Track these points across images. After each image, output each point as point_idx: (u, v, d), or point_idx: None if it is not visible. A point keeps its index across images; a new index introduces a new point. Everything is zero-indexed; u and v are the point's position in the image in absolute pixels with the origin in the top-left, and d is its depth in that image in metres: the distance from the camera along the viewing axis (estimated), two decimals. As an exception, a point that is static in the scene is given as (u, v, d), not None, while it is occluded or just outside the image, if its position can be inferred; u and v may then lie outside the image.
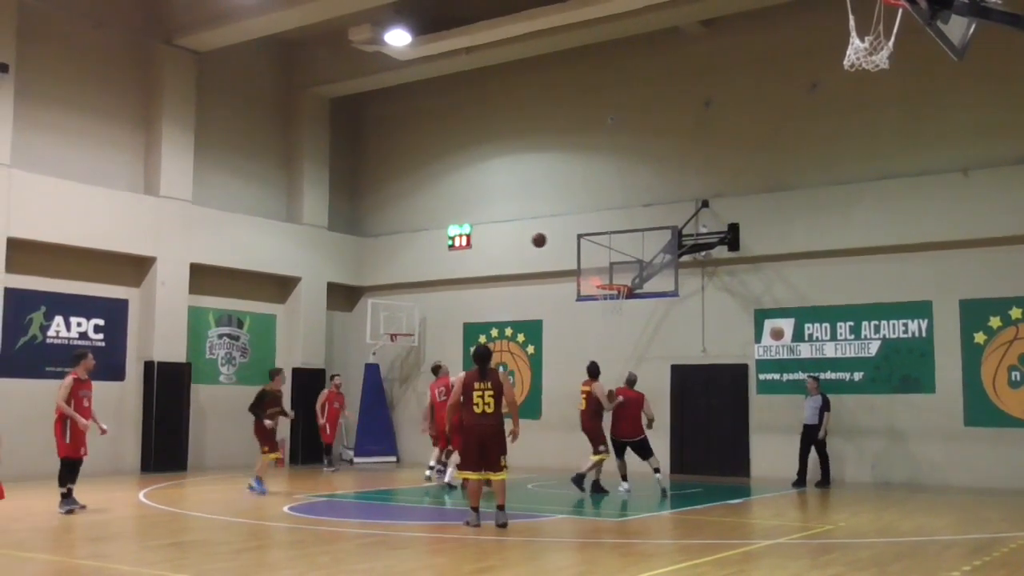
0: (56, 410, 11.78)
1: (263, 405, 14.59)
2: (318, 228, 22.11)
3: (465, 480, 11.38)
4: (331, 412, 18.98)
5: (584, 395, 14.77)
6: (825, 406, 16.27)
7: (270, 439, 14.54)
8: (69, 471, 11.79)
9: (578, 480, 14.38)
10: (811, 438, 16.30)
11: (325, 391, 19.48)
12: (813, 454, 16.38)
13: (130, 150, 19.06)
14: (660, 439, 18.03)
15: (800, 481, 16.15)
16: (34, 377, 17.00)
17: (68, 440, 11.73)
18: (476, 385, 10.68)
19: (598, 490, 14.44)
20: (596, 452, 14.43)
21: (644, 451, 14.69)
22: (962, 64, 8.93)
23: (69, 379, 11.83)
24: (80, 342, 17.78)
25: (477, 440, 10.58)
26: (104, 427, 12.21)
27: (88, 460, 17.81)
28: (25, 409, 16.57)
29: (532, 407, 20.13)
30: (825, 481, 16.13)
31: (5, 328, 16.55)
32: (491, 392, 10.63)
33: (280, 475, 18.09)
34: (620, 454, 14.77)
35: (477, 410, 10.62)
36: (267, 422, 14.42)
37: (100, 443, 17.82)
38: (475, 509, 10.54)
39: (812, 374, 16.87)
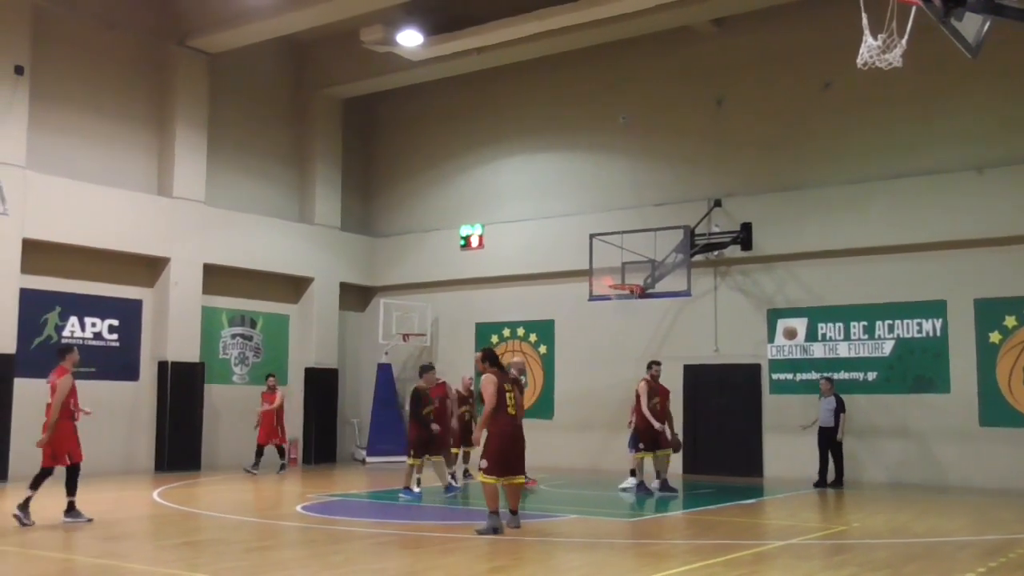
0: (48, 411, 10.82)
1: (422, 405, 13.74)
2: (330, 228, 22.16)
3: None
4: (264, 413, 18.12)
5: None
6: (840, 407, 16.18)
7: (423, 443, 13.68)
8: (45, 477, 10.77)
9: (665, 487, 14.39)
10: (827, 440, 16.17)
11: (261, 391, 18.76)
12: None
13: (143, 151, 19.15)
14: (673, 439, 18.00)
15: (821, 481, 16.01)
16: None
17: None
18: (507, 387, 10.30)
19: (646, 491, 14.30)
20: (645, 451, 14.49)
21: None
22: (976, 62, 8.90)
23: (70, 379, 10.86)
24: (95, 342, 17.89)
25: (513, 443, 10.24)
26: (87, 410, 11.29)
27: (102, 459, 17.94)
28: (40, 409, 16.61)
29: (545, 407, 20.13)
30: (839, 482, 16.05)
31: (21, 328, 16.64)
32: (514, 393, 10.34)
33: (292, 475, 18.14)
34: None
35: (511, 411, 10.24)
36: (433, 426, 13.69)
37: (114, 443, 18.04)
38: (497, 512, 10.04)
39: (826, 375, 16.80)
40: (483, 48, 19.29)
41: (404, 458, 20.64)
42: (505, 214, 21.42)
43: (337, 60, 21.60)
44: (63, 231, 17.27)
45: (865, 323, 17.22)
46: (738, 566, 8.22)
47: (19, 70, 16.64)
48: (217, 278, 19.83)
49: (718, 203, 18.53)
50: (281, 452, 18.44)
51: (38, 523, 10.58)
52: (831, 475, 16.19)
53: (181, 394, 18.72)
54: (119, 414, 18.13)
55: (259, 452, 18.08)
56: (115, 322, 18.32)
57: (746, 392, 18.06)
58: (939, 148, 16.83)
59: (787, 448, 17.44)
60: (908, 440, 16.64)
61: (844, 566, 8.32)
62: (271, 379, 18.70)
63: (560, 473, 17.63)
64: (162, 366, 18.65)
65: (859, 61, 8.51)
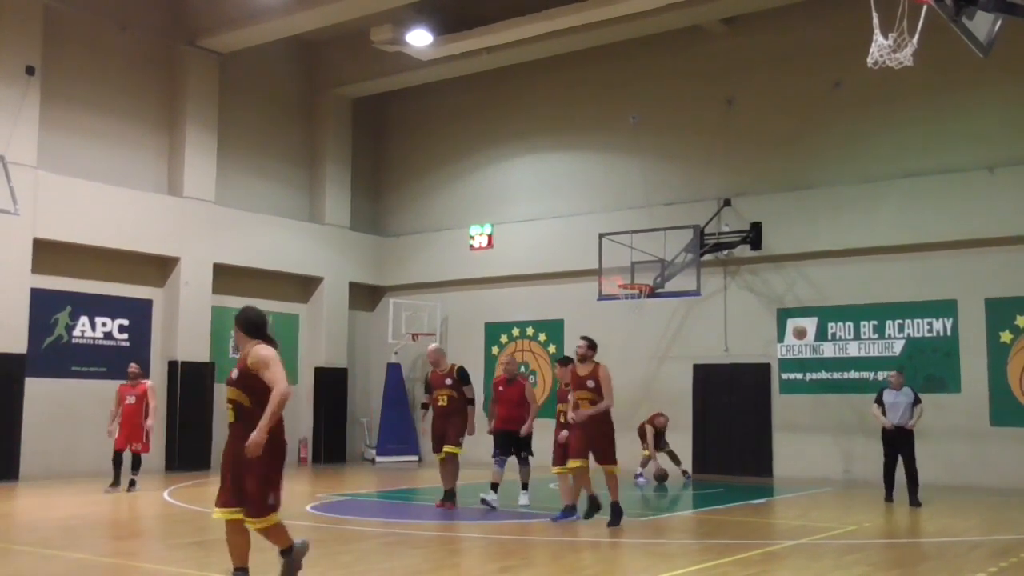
0: None
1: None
2: (340, 228, 22.20)
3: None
4: (125, 410, 14.19)
5: None
6: (917, 400, 13.63)
7: (555, 450, 11.65)
8: None
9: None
10: (902, 442, 13.55)
11: (120, 384, 14.72)
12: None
13: (154, 151, 19.21)
14: (683, 438, 17.97)
15: (890, 494, 13.63)
16: (60, 377, 17.18)
17: None
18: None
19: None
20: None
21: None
22: (988, 61, 8.85)
23: None
24: (105, 342, 17.96)
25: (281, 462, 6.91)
26: None
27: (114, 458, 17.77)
28: (51, 408, 16.78)
29: (554, 407, 20.04)
30: (915, 496, 13.31)
31: (32, 328, 16.70)
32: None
33: (302, 475, 18.15)
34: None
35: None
36: (563, 434, 11.49)
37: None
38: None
39: (897, 367, 14.98)
40: (493, 48, 19.30)
41: (404, 458, 20.99)
42: (514, 214, 21.42)
43: (347, 60, 21.64)
44: (74, 231, 17.33)
45: (875, 323, 17.17)
46: (748, 566, 8.20)
47: (30, 70, 16.70)
48: (227, 278, 19.86)
49: (728, 202, 18.50)
50: (136, 463, 14.28)
51: (47, 523, 10.61)
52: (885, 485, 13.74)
53: (191, 394, 18.75)
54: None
55: (117, 461, 14.24)
56: (125, 322, 18.38)
57: (756, 392, 18.02)
58: (950, 147, 16.77)
59: (797, 448, 17.40)
60: (918, 440, 16.52)
61: (855, 566, 8.29)
62: (133, 367, 14.66)
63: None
64: (172, 366, 18.70)
65: (870, 60, 8.47)
